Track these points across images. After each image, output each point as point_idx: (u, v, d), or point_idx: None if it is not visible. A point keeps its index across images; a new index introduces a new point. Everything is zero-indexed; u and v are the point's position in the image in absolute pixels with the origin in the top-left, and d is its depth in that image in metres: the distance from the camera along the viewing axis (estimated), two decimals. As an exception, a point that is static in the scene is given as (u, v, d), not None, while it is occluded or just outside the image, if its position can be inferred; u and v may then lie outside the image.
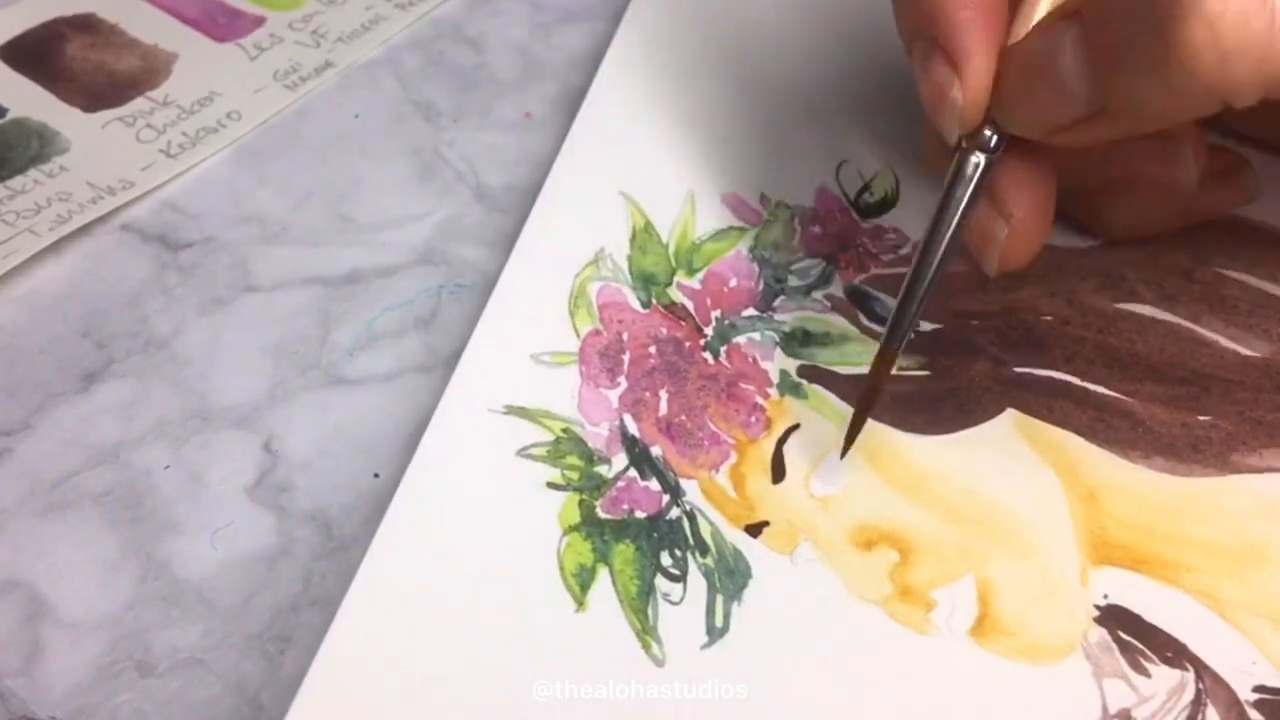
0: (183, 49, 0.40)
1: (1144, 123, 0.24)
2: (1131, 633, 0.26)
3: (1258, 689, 0.25)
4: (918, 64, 0.26)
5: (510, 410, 0.29)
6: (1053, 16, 0.25)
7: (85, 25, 0.40)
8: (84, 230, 0.34)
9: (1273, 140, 0.33)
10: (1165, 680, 0.25)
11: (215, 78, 0.39)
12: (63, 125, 0.37)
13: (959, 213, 0.26)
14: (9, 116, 0.37)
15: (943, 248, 0.26)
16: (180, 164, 0.36)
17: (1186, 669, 0.25)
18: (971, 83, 0.25)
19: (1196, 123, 0.29)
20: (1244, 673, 0.25)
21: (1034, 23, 0.25)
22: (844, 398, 0.29)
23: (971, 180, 0.26)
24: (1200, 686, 0.25)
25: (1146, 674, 0.25)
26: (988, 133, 0.26)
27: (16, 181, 0.35)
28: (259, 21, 0.41)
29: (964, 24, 0.25)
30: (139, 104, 0.38)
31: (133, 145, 0.36)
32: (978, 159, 0.26)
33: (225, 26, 0.40)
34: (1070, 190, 0.32)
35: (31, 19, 0.40)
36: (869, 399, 0.27)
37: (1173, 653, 0.25)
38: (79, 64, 0.39)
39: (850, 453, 0.28)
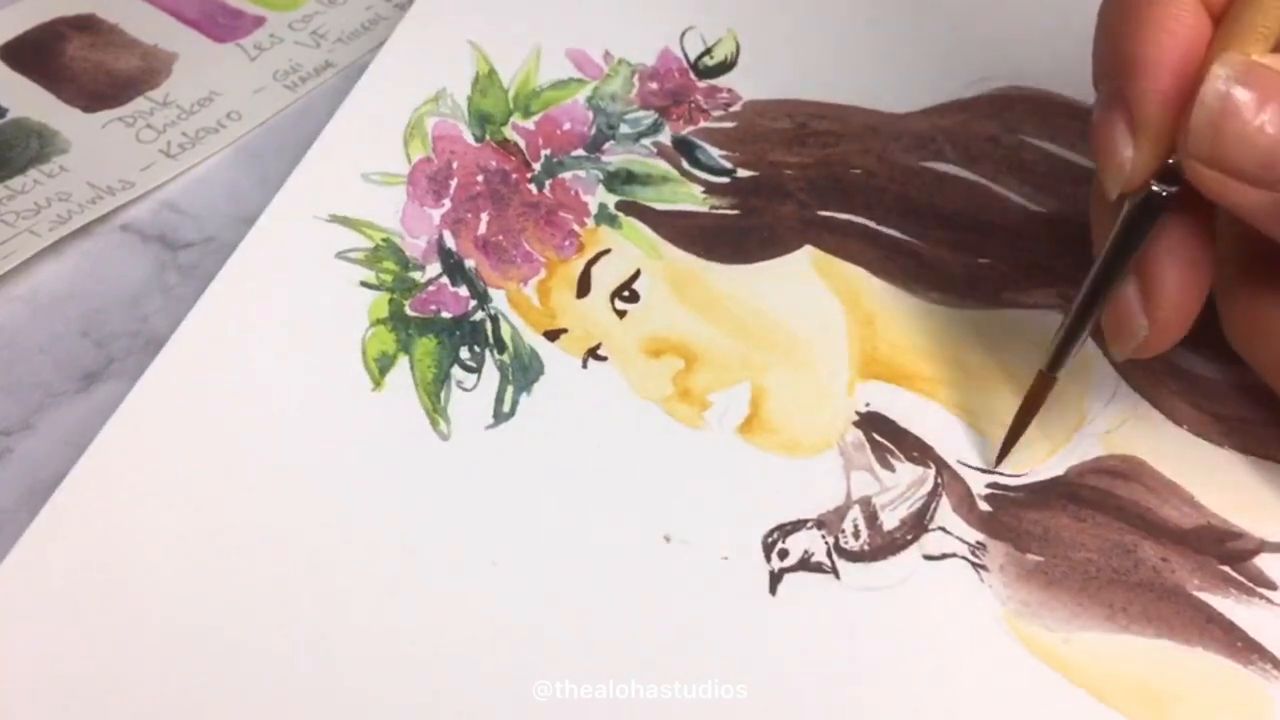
0: (183, 49, 0.39)
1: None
2: (884, 434, 0.28)
3: (990, 485, 0.27)
4: (1099, 108, 0.24)
5: (334, 219, 0.31)
6: None
7: (85, 25, 0.40)
8: (84, 230, 0.34)
9: None
10: (908, 475, 0.27)
11: (215, 78, 0.38)
12: (63, 125, 0.37)
13: (1131, 253, 0.24)
14: (9, 116, 0.37)
15: (1111, 287, 0.25)
16: (180, 164, 0.36)
17: (929, 466, 0.27)
18: (1146, 149, 0.23)
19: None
20: (982, 473, 0.27)
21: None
22: (656, 229, 0.32)
23: (1142, 224, 0.24)
24: (939, 481, 0.27)
25: (891, 469, 0.27)
26: (1155, 186, 0.23)
27: (16, 181, 0.35)
28: (259, 22, 0.40)
29: (1153, 94, 0.23)
30: (139, 104, 0.38)
31: (133, 145, 0.36)
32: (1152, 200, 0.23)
33: (225, 27, 0.40)
34: None
35: (31, 19, 0.40)
36: (1027, 415, 0.27)
37: (919, 453, 0.28)
38: (79, 64, 0.39)
39: (654, 276, 0.30)
